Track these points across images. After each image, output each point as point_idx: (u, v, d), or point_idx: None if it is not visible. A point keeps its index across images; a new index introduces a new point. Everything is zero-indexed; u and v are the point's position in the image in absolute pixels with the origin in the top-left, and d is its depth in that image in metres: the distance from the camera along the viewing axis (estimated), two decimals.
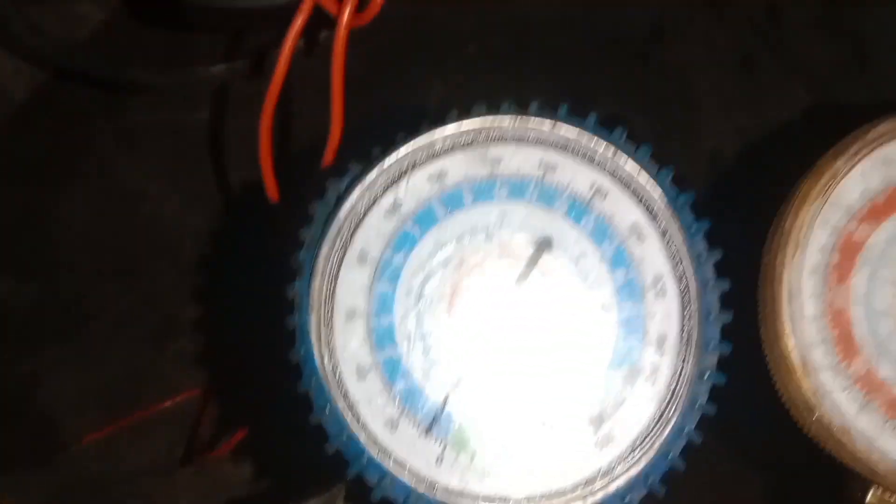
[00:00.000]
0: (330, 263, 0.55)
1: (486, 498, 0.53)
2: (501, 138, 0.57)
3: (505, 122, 0.56)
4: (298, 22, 0.59)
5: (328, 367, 0.54)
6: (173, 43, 0.75)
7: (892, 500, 0.55)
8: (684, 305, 0.55)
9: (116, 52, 0.73)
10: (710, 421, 0.54)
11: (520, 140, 0.57)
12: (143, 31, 0.75)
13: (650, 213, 0.56)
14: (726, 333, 0.55)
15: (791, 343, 0.54)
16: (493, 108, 0.57)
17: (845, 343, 0.55)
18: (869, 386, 0.55)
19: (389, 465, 0.53)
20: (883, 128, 0.56)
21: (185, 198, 0.71)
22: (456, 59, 0.73)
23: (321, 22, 0.61)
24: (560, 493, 0.53)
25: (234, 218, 0.71)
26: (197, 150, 0.72)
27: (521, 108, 0.57)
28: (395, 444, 0.54)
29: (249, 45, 0.73)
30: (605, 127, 0.56)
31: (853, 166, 0.56)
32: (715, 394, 0.55)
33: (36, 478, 0.69)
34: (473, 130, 0.56)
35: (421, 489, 0.52)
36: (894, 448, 0.54)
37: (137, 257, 0.71)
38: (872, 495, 0.55)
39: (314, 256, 0.54)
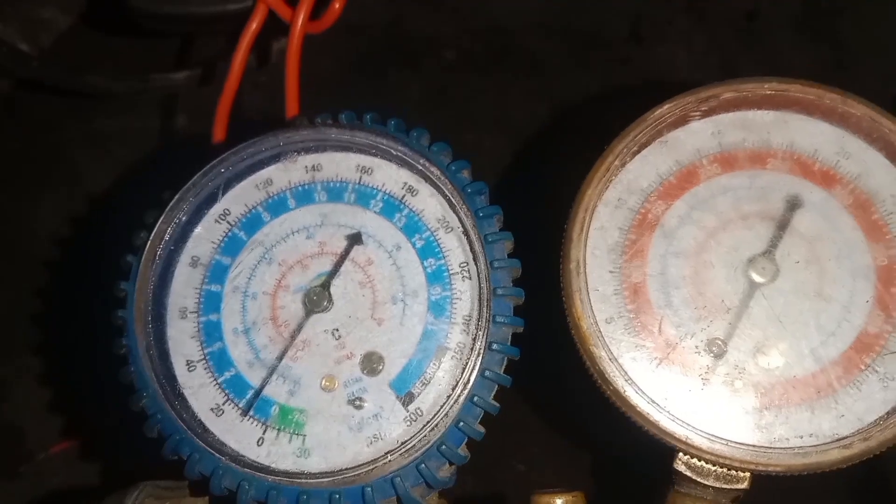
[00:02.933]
0: (156, 265, 0.60)
1: (285, 473, 0.56)
2: (323, 147, 0.63)
3: (320, 133, 0.62)
4: (252, 26, 0.64)
5: (154, 356, 0.59)
6: (133, 50, 0.80)
7: (698, 463, 0.55)
8: (480, 287, 0.58)
9: (80, 59, 0.79)
10: (518, 391, 0.57)
11: (337, 148, 0.63)
12: (104, 38, 0.81)
13: (451, 205, 0.60)
14: (526, 310, 0.58)
15: (580, 313, 0.57)
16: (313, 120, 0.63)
17: (641, 315, 0.58)
18: (661, 353, 0.57)
19: (207, 444, 0.57)
20: (662, 111, 0.59)
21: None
22: (434, 63, 0.77)
23: (278, 30, 0.66)
24: (364, 465, 0.56)
25: None
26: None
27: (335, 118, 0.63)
28: (218, 427, 0.58)
29: (205, 52, 0.79)
30: (408, 131, 0.62)
31: (637, 149, 0.59)
32: (517, 366, 0.57)
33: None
34: (293, 141, 0.62)
35: (235, 465, 0.56)
36: (682, 410, 0.55)
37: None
38: (679, 460, 0.56)
39: (140, 258, 0.60)
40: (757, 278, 0.57)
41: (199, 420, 0.58)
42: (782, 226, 0.58)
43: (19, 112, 0.81)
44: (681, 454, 0.56)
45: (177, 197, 0.61)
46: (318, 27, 0.67)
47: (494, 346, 0.56)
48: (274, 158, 0.63)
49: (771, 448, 0.54)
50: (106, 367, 0.59)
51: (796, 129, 0.59)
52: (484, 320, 0.57)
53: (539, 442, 0.70)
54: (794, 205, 0.58)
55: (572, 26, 0.79)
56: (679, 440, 0.55)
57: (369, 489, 0.55)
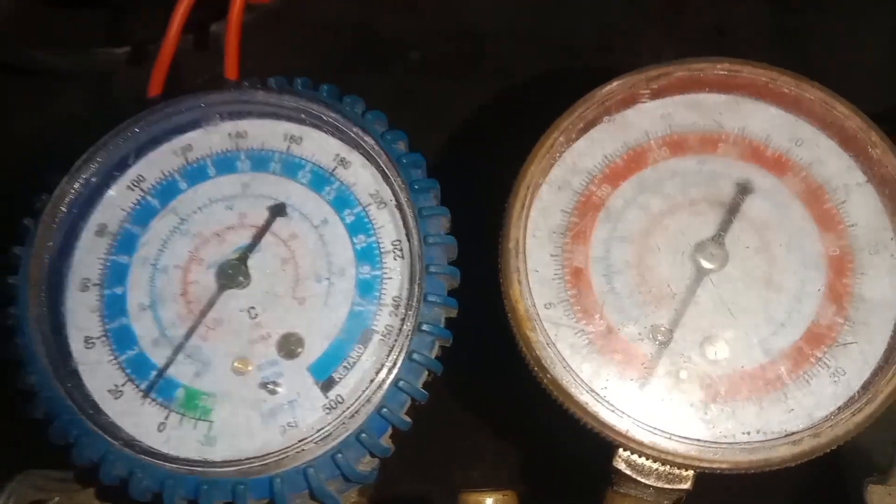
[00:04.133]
0: (57, 232, 0.55)
1: (185, 461, 0.50)
2: (248, 113, 0.58)
3: (246, 95, 0.58)
4: None
5: (45, 330, 0.53)
6: (77, 27, 0.78)
7: (639, 461, 0.51)
8: (412, 265, 0.54)
9: (27, 37, 0.76)
10: (449, 382, 0.53)
11: (264, 114, 0.58)
12: (49, 15, 0.78)
13: (385, 176, 0.56)
14: (462, 295, 0.54)
15: (517, 296, 0.53)
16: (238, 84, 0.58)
17: (582, 301, 0.54)
18: (601, 341, 0.53)
19: (99, 427, 0.51)
20: (611, 88, 0.56)
21: None
22: (400, 64, 0.75)
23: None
24: (273, 454, 0.50)
25: None
26: None
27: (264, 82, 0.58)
28: (115, 409, 0.52)
29: (145, 27, 0.76)
30: (343, 97, 0.57)
31: (584, 126, 0.56)
32: (450, 354, 0.53)
33: None
34: (215, 103, 0.58)
35: (129, 451, 0.50)
36: (619, 400, 0.51)
37: None
38: (618, 457, 0.52)
39: (38, 221, 0.54)
40: (705, 264, 0.54)
41: (93, 401, 0.52)
42: (732, 211, 0.55)
43: None
44: (621, 451, 0.52)
45: (83, 157, 0.55)
46: None
47: (425, 328, 0.52)
48: (195, 123, 0.58)
49: (716, 443, 0.50)
50: None
51: (748, 114, 0.57)
52: (415, 299, 0.53)
53: (471, 436, 0.66)
54: (744, 189, 0.55)
55: (542, 34, 0.77)
56: (619, 433, 0.50)
57: (278, 480, 0.49)
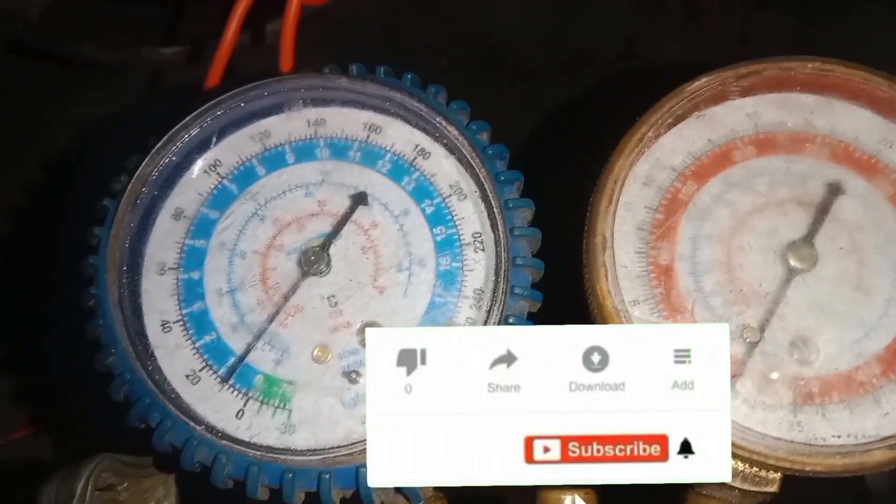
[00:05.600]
0: (136, 214, 0.54)
1: (268, 449, 0.49)
2: (329, 101, 0.58)
3: (329, 81, 0.57)
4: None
5: (126, 311, 0.52)
6: (123, 23, 0.78)
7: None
8: (497, 257, 0.53)
9: (68, 28, 0.75)
10: None
11: (346, 102, 0.58)
12: (95, 8, 0.77)
13: (468, 168, 0.55)
14: (546, 283, 0.53)
15: (605, 292, 0.52)
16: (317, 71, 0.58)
17: (669, 299, 0.53)
18: None
19: (181, 411, 0.50)
20: (699, 84, 0.56)
21: None
22: (428, 69, 0.75)
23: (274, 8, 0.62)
24: (358, 443, 0.50)
25: None
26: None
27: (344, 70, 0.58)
28: (193, 395, 0.51)
29: (196, 29, 0.76)
30: (423, 88, 0.57)
31: (670, 121, 0.56)
32: None
33: None
34: (296, 89, 0.57)
35: (210, 436, 0.49)
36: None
37: None
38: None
39: (119, 202, 0.53)
40: (796, 264, 0.53)
41: (172, 386, 0.51)
42: (823, 211, 0.54)
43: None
44: None
45: (165, 138, 0.55)
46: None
47: (511, 321, 0.51)
48: (276, 108, 0.57)
49: (809, 446, 0.49)
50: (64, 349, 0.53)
51: (838, 114, 0.56)
52: (500, 292, 0.52)
53: None
54: (835, 190, 0.54)
55: (566, 40, 0.77)
56: None
57: (364, 470, 0.48)
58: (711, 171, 0.56)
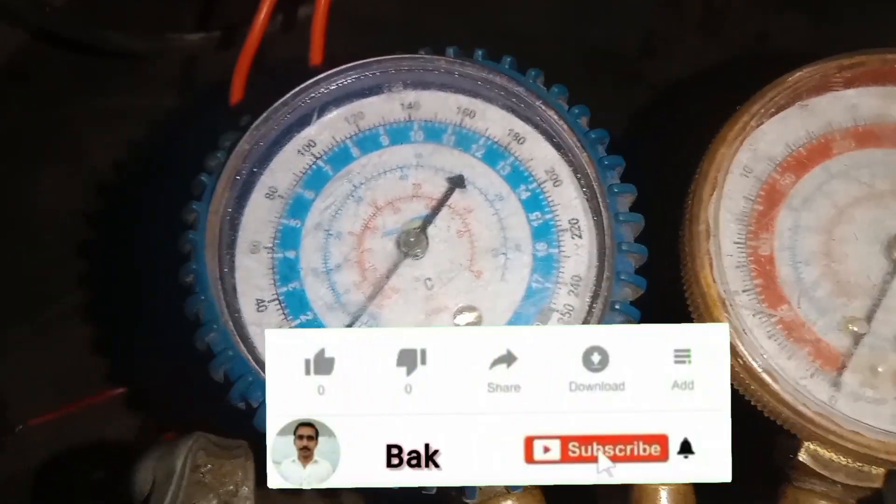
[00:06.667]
0: (232, 190, 0.54)
1: None
2: (424, 84, 0.57)
3: (429, 63, 0.57)
4: None
5: (226, 290, 0.51)
6: (150, 11, 0.77)
7: (827, 456, 0.50)
8: (599, 241, 0.53)
9: (97, 16, 0.75)
10: None
11: (444, 85, 0.57)
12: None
13: (566, 155, 0.55)
14: (646, 271, 0.53)
15: (710, 280, 0.51)
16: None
17: (770, 290, 0.53)
18: (793, 331, 0.51)
19: None
20: (801, 75, 0.55)
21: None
22: None
23: None
24: None
25: None
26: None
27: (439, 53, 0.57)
28: None
29: (225, 14, 0.75)
30: (522, 72, 0.56)
31: (772, 111, 0.55)
32: None
33: None
34: (401, 69, 0.56)
35: None
36: (819, 391, 0.50)
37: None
38: (804, 452, 0.50)
39: (218, 177, 0.53)
40: None
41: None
42: None
43: (28, 82, 0.76)
44: (808, 444, 0.50)
45: (264, 115, 0.54)
46: None
47: (617, 307, 0.50)
48: (376, 89, 0.57)
49: None
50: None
51: None
52: (605, 278, 0.51)
53: None
54: None
55: (584, 38, 0.76)
56: (817, 426, 0.49)
57: None
58: (810, 162, 0.56)
